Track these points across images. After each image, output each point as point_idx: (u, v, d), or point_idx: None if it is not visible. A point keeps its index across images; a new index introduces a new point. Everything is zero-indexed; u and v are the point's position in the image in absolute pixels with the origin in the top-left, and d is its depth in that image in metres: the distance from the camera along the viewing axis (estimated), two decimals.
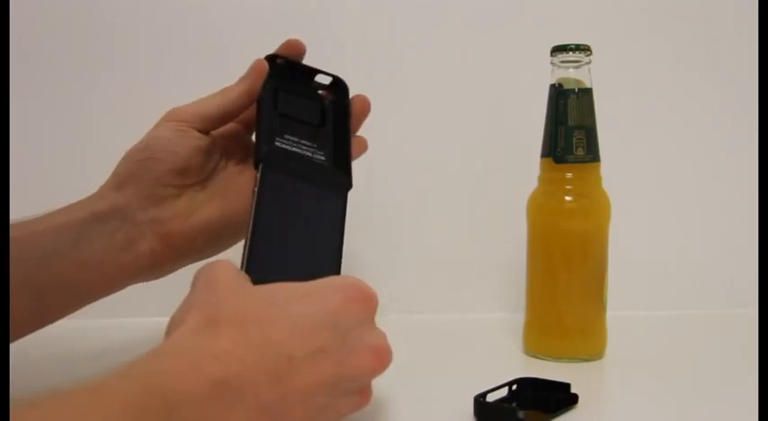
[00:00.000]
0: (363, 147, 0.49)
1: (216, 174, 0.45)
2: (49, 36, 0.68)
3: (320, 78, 0.49)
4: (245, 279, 0.33)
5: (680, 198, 0.69)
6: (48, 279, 0.38)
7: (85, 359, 0.53)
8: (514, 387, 0.43)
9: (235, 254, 0.39)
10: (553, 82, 0.52)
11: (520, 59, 0.67)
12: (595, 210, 0.52)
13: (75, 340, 0.55)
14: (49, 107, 0.68)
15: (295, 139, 0.43)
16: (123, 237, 0.41)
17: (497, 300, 0.67)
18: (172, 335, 0.30)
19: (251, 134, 0.47)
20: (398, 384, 0.45)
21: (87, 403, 0.24)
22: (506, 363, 0.53)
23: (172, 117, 0.44)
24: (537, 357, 0.53)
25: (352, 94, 0.48)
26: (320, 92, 0.48)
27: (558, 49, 0.51)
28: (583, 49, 0.51)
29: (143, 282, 0.44)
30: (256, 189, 0.39)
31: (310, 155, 0.43)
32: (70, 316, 0.42)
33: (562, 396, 0.42)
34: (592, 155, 0.51)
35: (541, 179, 0.53)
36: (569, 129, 0.51)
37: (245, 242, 0.38)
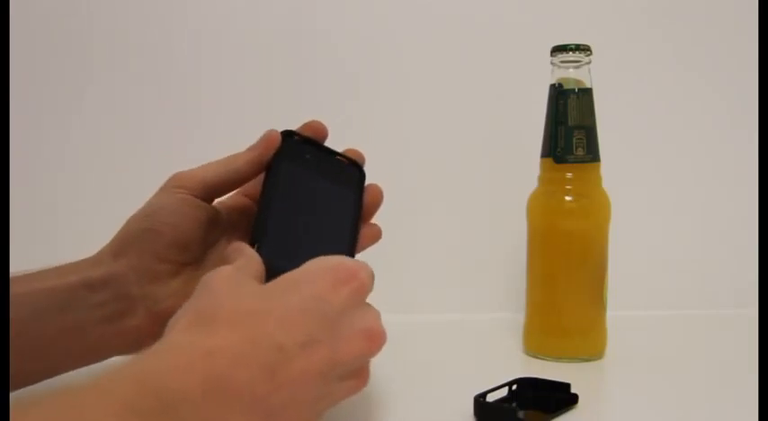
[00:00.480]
0: (376, 236, 0.46)
1: (215, 250, 0.43)
2: (48, 39, 0.68)
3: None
4: (244, 278, 0.33)
5: (680, 198, 0.69)
6: (30, 341, 0.37)
7: None
8: (514, 387, 0.43)
9: None
10: (553, 82, 0.52)
11: (520, 59, 0.67)
12: (595, 210, 0.52)
13: None
14: (48, 109, 0.68)
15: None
16: (113, 310, 0.39)
17: (497, 300, 0.67)
18: (167, 336, 0.30)
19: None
20: (399, 384, 0.45)
21: (84, 402, 0.24)
22: (506, 363, 0.53)
23: (176, 183, 0.41)
24: (537, 357, 0.53)
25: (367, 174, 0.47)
26: (332, 174, 0.45)
27: (558, 49, 0.51)
28: (583, 49, 0.51)
29: (122, 355, 0.41)
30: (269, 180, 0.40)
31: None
32: None
33: (562, 396, 0.42)
34: (592, 155, 0.51)
35: (541, 179, 0.53)
36: (569, 129, 0.51)
37: (257, 221, 0.38)
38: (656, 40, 0.69)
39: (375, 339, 0.32)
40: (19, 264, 0.39)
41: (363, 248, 0.44)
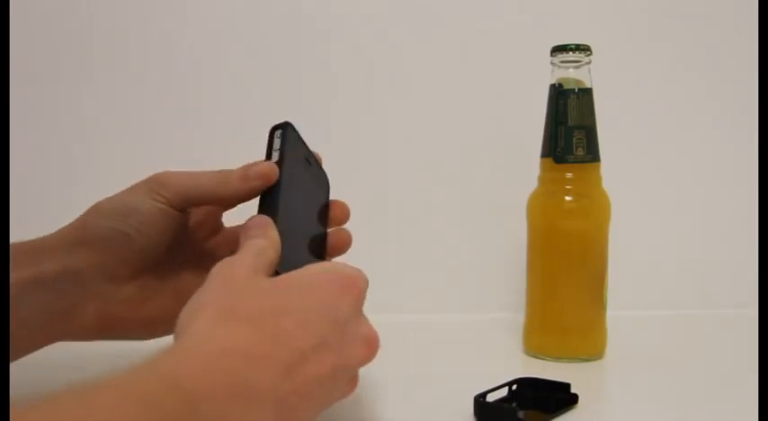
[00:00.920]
0: (346, 243, 0.44)
1: (173, 255, 0.41)
2: (47, 39, 0.68)
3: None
4: (260, 272, 0.32)
5: (680, 198, 0.69)
6: None
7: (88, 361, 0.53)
8: (514, 387, 0.43)
9: None
10: (553, 82, 0.52)
11: (520, 59, 0.67)
12: (595, 210, 0.52)
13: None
14: (48, 109, 0.68)
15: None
16: (62, 307, 0.37)
17: (497, 300, 0.67)
18: (188, 332, 0.29)
19: (221, 214, 0.45)
20: (399, 384, 0.45)
21: (106, 400, 0.23)
22: (506, 363, 0.53)
23: (156, 187, 0.39)
24: (537, 357, 0.53)
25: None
26: (315, 175, 0.45)
27: (558, 49, 0.51)
28: (583, 49, 0.51)
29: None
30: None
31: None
32: None
33: (562, 396, 0.42)
34: (592, 155, 0.51)
35: (541, 179, 0.53)
36: (569, 129, 0.51)
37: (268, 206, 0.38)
38: (656, 40, 0.69)
39: (373, 345, 0.33)
40: None
41: (335, 256, 0.43)
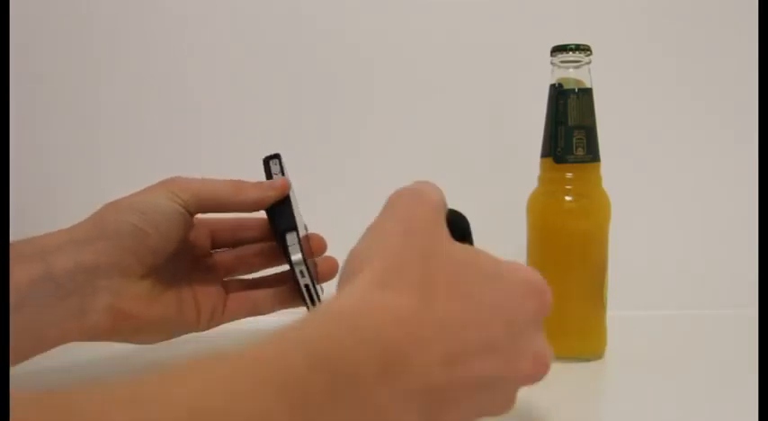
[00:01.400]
0: (335, 270, 0.46)
1: (177, 268, 0.43)
2: (47, 38, 0.68)
3: None
4: (444, 228, 0.30)
5: (680, 198, 0.69)
6: None
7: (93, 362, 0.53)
8: None
9: None
10: (553, 82, 0.52)
11: (520, 59, 0.67)
12: (595, 210, 0.52)
13: None
14: (47, 108, 0.68)
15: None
16: (74, 303, 0.37)
17: None
18: (346, 288, 0.26)
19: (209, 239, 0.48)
20: None
21: (236, 379, 0.20)
22: None
23: (175, 189, 0.40)
24: None
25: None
26: None
27: (558, 49, 0.51)
28: (583, 49, 0.51)
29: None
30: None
31: None
32: None
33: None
34: (592, 155, 0.51)
35: (541, 179, 0.53)
36: (569, 129, 0.51)
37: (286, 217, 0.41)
38: (657, 39, 0.69)
39: (543, 365, 0.30)
40: None
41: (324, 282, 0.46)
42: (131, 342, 0.41)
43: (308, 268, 0.41)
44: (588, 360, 0.52)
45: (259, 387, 0.20)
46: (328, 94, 0.68)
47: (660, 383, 0.47)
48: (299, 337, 0.23)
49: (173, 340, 0.43)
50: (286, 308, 0.47)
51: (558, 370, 0.50)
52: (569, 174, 0.51)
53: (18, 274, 0.35)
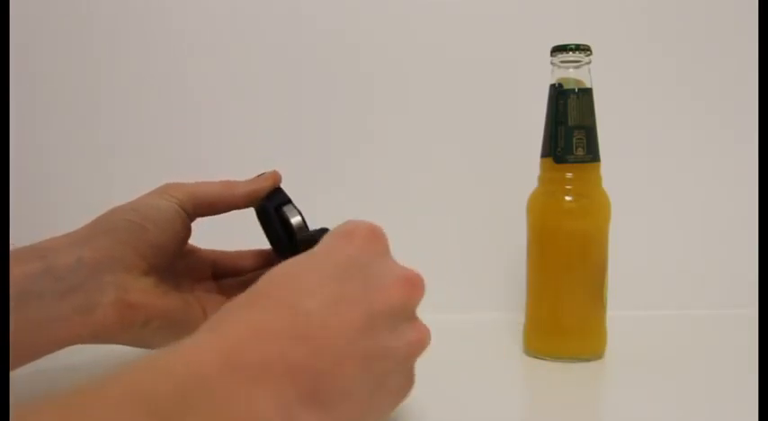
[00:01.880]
0: None
1: (177, 273, 0.43)
2: (48, 37, 0.68)
3: None
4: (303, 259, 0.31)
5: (680, 198, 0.69)
6: None
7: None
8: None
9: None
10: (553, 82, 0.52)
11: (520, 59, 0.67)
12: (595, 210, 0.52)
13: None
14: (47, 109, 0.68)
15: None
16: (79, 300, 0.36)
17: (497, 300, 0.67)
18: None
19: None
20: None
21: (99, 397, 0.22)
22: (506, 363, 0.53)
23: (169, 190, 0.41)
24: (537, 357, 0.53)
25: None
26: None
27: (558, 49, 0.51)
28: (583, 49, 0.51)
29: (85, 343, 0.39)
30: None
31: None
32: None
33: None
34: (592, 155, 0.51)
35: (541, 179, 0.53)
36: (569, 129, 0.51)
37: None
38: (657, 39, 0.69)
39: (412, 283, 0.31)
40: None
41: None
42: (140, 344, 0.40)
43: (311, 233, 0.41)
44: (588, 360, 0.52)
45: (113, 399, 0.21)
46: (328, 94, 0.68)
47: (660, 383, 0.47)
48: (148, 357, 0.24)
49: None
50: None
51: (558, 370, 0.50)
52: (569, 174, 0.51)
53: (18, 272, 0.35)
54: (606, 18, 0.68)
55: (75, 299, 0.36)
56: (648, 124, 0.69)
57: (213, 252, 0.47)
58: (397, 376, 0.30)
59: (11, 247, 0.37)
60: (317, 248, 0.31)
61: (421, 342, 0.31)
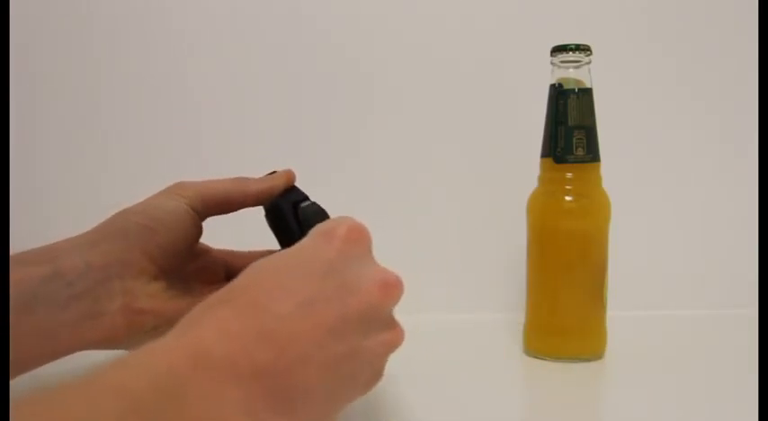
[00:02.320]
0: None
1: (187, 274, 0.42)
2: (49, 37, 0.68)
3: None
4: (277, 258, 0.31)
5: (680, 198, 0.69)
6: None
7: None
8: None
9: None
10: (553, 82, 0.52)
11: (520, 59, 0.67)
12: (595, 210, 0.52)
13: None
14: (47, 109, 0.68)
15: None
16: (87, 306, 0.36)
17: (497, 300, 0.67)
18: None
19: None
20: (397, 384, 0.45)
21: (78, 393, 0.22)
22: (506, 363, 0.53)
23: (178, 190, 0.40)
24: (537, 357, 0.53)
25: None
26: None
27: (558, 49, 0.51)
28: (583, 49, 0.51)
29: (93, 349, 0.38)
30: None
31: None
32: None
33: None
34: (592, 155, 0.51)
35: (541, 179, 0.53)
36: (569, 129, 0.51)
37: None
38: (657, 39, 0.69)
39: (389, 286, 0.30)
40: None
41: None
42: (134, 346, 0.40)
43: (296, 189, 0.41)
44: (588, 360, 0.52)
45: (95, 396, 0.22)
46: (328, 94, 0.68)
47: (660, 383, 0.47)
48: (126, 357, 0.24)
49: None
50: None
51: (558, 370, 0.50)
52: (569, 174, 0.51)
53: (27, 274, 0.34)
54: (606, 18, 0.68)
55: (83, 304, 0.36)
56: (648, 124, 0.69)
57: (226, 252, 0.46)
58: (365, 373, 0.30)
59: (17, 250, 0.36)
60: (297, 246, 0.31)
61: (393, 342, 0.31)
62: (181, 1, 0.68)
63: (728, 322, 0.64)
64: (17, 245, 0.37)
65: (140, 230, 0.38)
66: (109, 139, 0.68)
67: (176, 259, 0.40)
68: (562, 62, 0.52)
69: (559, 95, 0.51)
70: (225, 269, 0.46)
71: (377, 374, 0.32)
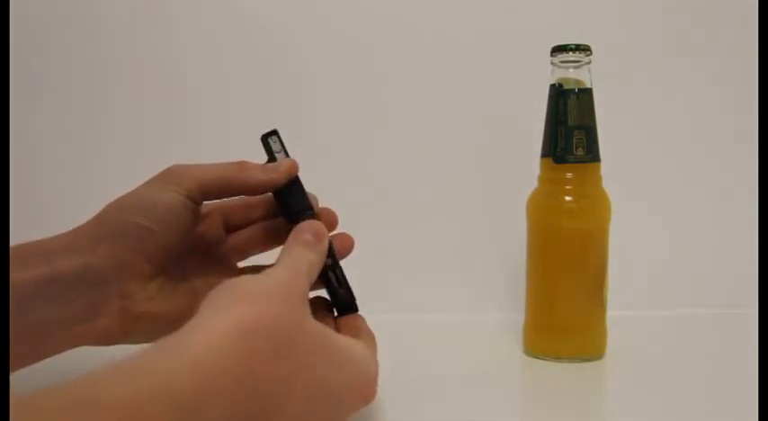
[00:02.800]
0: (350, 247, 0.43)
1: (186, 263, 0.41)
2: (51, 38, 0.68)
3: None
4: (300, 298, 0.30)
5: (680, 198, 0.69)
6: None
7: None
8: None
9: None
10: (553, 82, 0.52)
11: (520, 59, 0.67)
12: (595, 210, 0.52)
13: None
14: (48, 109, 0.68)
15: None
16: (82, 307, 0.35)
17: (497, 300, 0.67)
18: (207, 326, 0.27)
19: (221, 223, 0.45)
20: (397, 384, 0.45)
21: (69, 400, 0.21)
22: (506, 363, 0.53)
23: (174, 179, 0.39)
24: (537, 357, 0.53)
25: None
26: None
27: (558, 49, 0.51)
28: (583, 49, 0.51)
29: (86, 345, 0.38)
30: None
31: None
32: None
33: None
34: (592, 155, 0.51)
35: (541, 179, 0.53)
36: (569, 129, 0.51)
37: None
38: (656, 39, 0.69)
39: (373, 388, 0.32)
40: None
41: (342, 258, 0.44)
42: (141, 342, 0.39)
43: (330, 247, 0.39)
44: (588, 360, 0.52)
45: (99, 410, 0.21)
46: (328, 94, 0.68)
47: (660, 383, 0.47)
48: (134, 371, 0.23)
49: None
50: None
51: (558, 370, 0.50)
52: (569, 174, 0.51)
53: (24, 275, 0.34)
54: (606, 18, 0.68)
55: (80, 307, 0.36)
56: (648, 124, 0.69)
57: (220, 205, 0.44)
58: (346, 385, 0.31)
59: (13, 243, 0.36)
60: (345, 362, 0.31)
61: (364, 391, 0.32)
62: (182, 1, 0.68)
63: (728, 322, 0.64)
64: (15, 237, 0.37)
65: (140, 232, 0.37)
66: (109, 139, 0.68)
67: (175, 254, 0.39)
68: (562, 62, 0.52)
69: (559, 95, 0.51)
70: (225, 223, 0.45)
71: (366, 380, 0.32)
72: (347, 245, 0.43)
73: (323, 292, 0.41)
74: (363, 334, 0.36)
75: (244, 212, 0.45)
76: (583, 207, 0.52)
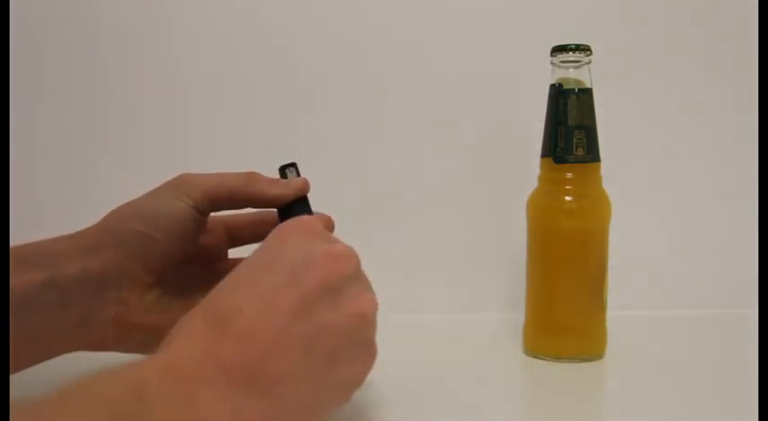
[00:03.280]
0: None
1: (185, 275, 0.41)
2: (52, 38, 0.68)
3: None
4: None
5: (680, 198, 0.69)
6: None
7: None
8: None
9: None
10: (553, 82, 0.52)
11: (520, 59, 0.67)
12: (595, 210, 0.52)
13: None
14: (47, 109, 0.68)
15: None
16: (80, 313, 0.35)
17: (497, 300, 0.67)
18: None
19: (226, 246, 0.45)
20: (397, 384, 0.45)
21: (73, 402, 0.23)
22: (506, 363, 0.53)
23: (182, 189, 0.39)
24: (537, 357, 0.53)
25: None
26: None
27: (558, 49, 0.51)
28: (583, 49, 0.51)
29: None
30: None
31: None
32: None
33: None
34: (592, 155, 0.51)
35: (541, 179, 0.53)
36: (569, 129, 0.51)
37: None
38: (657, 39, 0.69)
39: (338, 256, 0.31)
40: None
41: None
42: (136, 352, 0.39)
43: None
44: (588, 360, 0.52)
45: (85, 406, 0.22)
46: (329, 94, 0.68)
47: (660, 383, 0.47)
48: (115, 368, 0.25)
49: None
50: None
51: (558, 370, 0.50)
52: (569, 174, 0.51)
53: (23, 279, 0.34)
54: (606, 18, 0.68)
55: (77, 312, 0.36)
56: (648, 124, 0.69)
57: (226, 219, 0.44)
58: (347, 350, 0.30)
59: (13, 244, 0.36)
60: (257, 247, 0.32)
61: (362, 310, 0.31)
62: (183, 1, 0.68)
63: (728, 322, 0.64)
64: (15, 234, 0.37)
65: (142, 240, 0.37)
66: (110, 139, 0.68)
67: (175, 264, 0.39)
68: (562, 62, 0.52)
69: (559, 95, 0.51)
70: (228, 236, 0.45)
71: (363, 352, 0.31)
72: None
73: None
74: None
75: (250, 229, 0.45)
76: (583, 207, 0.52)
